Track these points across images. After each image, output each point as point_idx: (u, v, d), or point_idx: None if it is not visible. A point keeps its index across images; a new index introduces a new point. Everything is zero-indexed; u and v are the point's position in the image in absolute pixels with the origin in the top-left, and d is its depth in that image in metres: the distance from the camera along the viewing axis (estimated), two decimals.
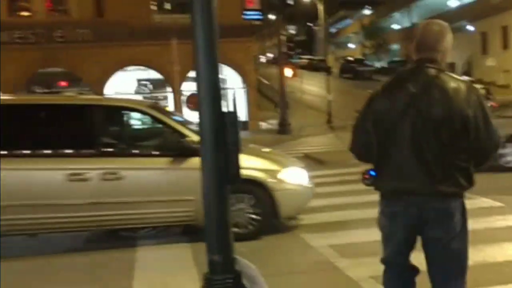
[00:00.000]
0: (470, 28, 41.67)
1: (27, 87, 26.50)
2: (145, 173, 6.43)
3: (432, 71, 2.91)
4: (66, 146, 6.43)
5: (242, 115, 27.67)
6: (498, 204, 7.75)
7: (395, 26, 59.72)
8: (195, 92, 2.80)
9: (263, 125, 30.92)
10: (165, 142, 6.71)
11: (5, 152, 6.15)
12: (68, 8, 27.94)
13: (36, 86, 27.21)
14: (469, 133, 2.81)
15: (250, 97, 30.30)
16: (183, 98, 26.57)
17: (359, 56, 58.84)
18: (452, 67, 46.83)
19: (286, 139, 23.62)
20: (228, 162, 2.81)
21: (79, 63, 26.73)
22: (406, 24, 57.91)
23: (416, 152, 2.86)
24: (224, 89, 27.84)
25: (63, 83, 28.47)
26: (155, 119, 6.75)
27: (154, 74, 29.54)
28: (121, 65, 28.53)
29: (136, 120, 7.92)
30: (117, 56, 27.08)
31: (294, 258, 5.83)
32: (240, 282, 2.84)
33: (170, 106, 30.20)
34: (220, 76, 2.84)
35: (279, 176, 6.67)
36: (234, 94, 2.90)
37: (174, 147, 6.39)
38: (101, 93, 28.35)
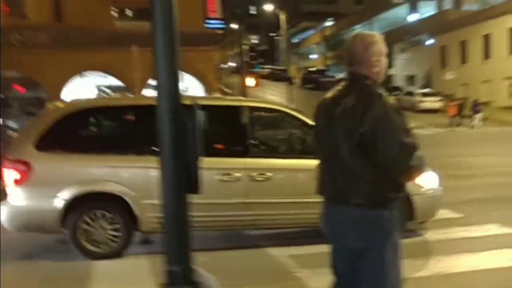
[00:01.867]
0: (430, 42, 42.76)
1: None
2: (293, 174, 6.46)
3: (349, 86, 2.96)
4: (218, 146, 6.62)
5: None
6: (457, 215, 7.89)
7: None
8: None
9: None
10: (312, 143, 6.68)
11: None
12: (26, 12, 27.37)
13: None
14: (368, 146, 2.81)
15: None
16: None
17: (321, 67, 59.52)
18: (412, 79, 48.05)
19: None
20: (188, 171, 2.77)
21: (37, 68, 26.18)
22: None
23: (329, 164, 2.99)
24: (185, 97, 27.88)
25: (19, 88, 27.79)
26: (300, 121, 6.73)
27: (114, 81, 29.17)
28: (80, 71, 28.10)
29: (280, 122, 7.79)
30: (76, 62, 26.66)
31: (254, 268, 5.78)
32: None
33: None
34: (181, 84, 2.81)
35: (417, 180, 6.63)
36: (196, 103, 2.85)
37: None
38: (58, 99, 27.81)
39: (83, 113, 6.57)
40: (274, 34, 74.73)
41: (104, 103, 7.39)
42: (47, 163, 6.11)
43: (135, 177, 6.21)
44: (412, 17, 38.79)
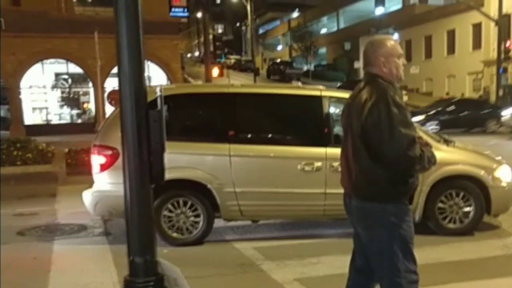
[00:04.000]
0: (395, 35, 43.31)
1: None
2: None
3: (362, 85, 3.21)
4: (299, 136, 6.63)
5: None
6: None
7: (323, 30, 61.15)
8: (117, 88, 2.68)
9: None
10: None
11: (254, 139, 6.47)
12: None
13: None
14: (368, 138, 3.03)
15: None
16: (106, 94, 25.89)
17: (287, 59, 59.68)
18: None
19: None
20: (152, 162, 2.71)
21: None
22: (334, 28, 59.50)
23: (345, 157, 3.25)
24: (149, 86, 27.38)
25: None
26: None
27: (74, 68, 28.56)
28: (38, 58, 27.37)
29: None
30: (34, 48, 25.96)
31: (218, 260, 5.75)
32: (163, 285, 2.76)
33: (92, 102, 29.40)
34: (144, 71, 2.74)
35: (495, 173, 6.60)
36: (160, 91, 2.79)
37: None
38: (16, 87, 27.12)
39: (168, 100, 6.42)
40: (240, 24, 74.59)
41: (189, 90, 7.29)
42: None
43: (218, 165, 6.23)
44: (379, 10, 39.14)
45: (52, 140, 17.56)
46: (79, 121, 30.30)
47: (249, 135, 6.52)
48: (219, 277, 5.22)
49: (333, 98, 6.66)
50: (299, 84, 7.61)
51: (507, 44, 31.60)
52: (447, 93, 32.57)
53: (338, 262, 5.37)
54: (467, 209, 6.45)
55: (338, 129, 6.66)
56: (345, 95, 7.24)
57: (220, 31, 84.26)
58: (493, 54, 33.20)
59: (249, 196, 6.23)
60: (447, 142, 6.67)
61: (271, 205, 6.32)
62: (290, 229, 7.02)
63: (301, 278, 5.04)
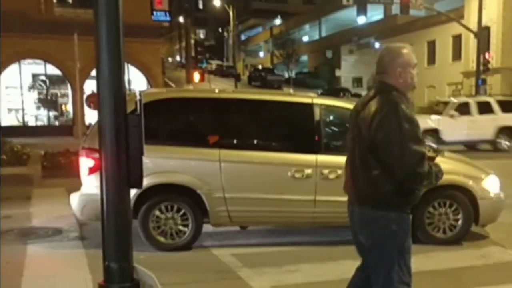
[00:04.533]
0: (378, 45, 43.73)
1: None
2: None
3: (373, 93, 3.18)
4: (290, 143, 6.59)
5: None
6: None
7: (305, 38, 61.48)
8: (95, 91, 2.64)
9: None
10: None
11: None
12: None
13: None
14: (376, 150, 3.00)
15: None
16: (85, 96, 25.64)
17: (269, 65, 59.83)
18: (359, 81, 49.07)
19: None
20: (130, 167, 2.67)
21: None
22: (316, 37, 59.87)
23: (350, 165, 3.24)
24: (129, 90, 27.01)
25: None
26: None
27: (53, 70, 28.20)
28: (16, 58, 26.95)
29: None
30: (12, 48, 25.50)
31: (196, 267, 5.70)
32: None
33: (70, 104, 29.06)
34: (125, 75, 2.70)
35: (483, 184, 6.60)
36: (140, 96, 2.75)
37: None
38: None
39: (158, 104, 6.44)
40: (222, 30, 74.66)
41: (181, 95, 7.25)
42: None
43: (207, 170, 6.19)
44: (361, 20, 39.50)
45: (28, 142, 17.26)
46: (57, 123, 29.90)
47: (240, 141, 6.51)
48: (196, 284, 5.17)
49: (324, 105, 6.67)
50: (291, 91, 7.61)
51: (486, 56, 32.12)
52: None
53: (316, 270, 5.36)
54: (455, 219, 6.49)
55: (328, 137, 6.72)
56: (337, 103, 7.25)
57: (202, 36, 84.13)
58: (473, 66, 33.66)
59: (238, 202, 6.21)
60: (436, 152, 6.72)
61: (260, 211, 6.31)
62: (269, 236, 6.99)
63: (278, 286, 5.02)
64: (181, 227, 6.19)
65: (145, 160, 5.97)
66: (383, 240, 3.09)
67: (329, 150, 6.48)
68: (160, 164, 6.16)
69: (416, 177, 2.97)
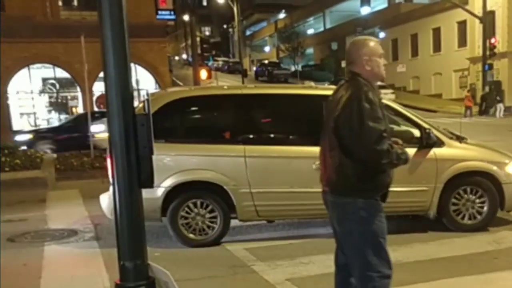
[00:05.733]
0: (382, 34, 43.52)
1: None
2: None
3: (342, 82, 3.35)
4: (313, 136, 6.47)
5: None
6: None
7: (310, 31, 61.27)
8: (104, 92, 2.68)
9: None
10: (411, 134, 6.47)
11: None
12: None
13: None
14: (341, 130, 3.14)
15: None
16: (95, 98, 25.73)
17: (275, 59, 59.72)
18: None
19: None
20: (140, 166, 2.71)
21: None
22: (321, 29, 59.64)
23: (323, 154, 3.36)
24: (137, 90, 26.95)
25: None
26: (397, 112, 6.59)
27: (61, 73, 28.36)
28: (25, 63, 27.13)
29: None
30: (20, 53, 25.70)
31: (210, 262, 5.75)
32: None
33: (80, 106, 29.21)
34: (131, 76, 2.73)
35: (508, 169, 6.64)
36: (147, 95, 2.79)
37: (422, 138, 6.32)
38: (3, 93, 26.87)
39: (184, 102, 6.60)
40: (227, 26, 74.53)
41: (203, 93, 7.34)
42: None
43: (233, 166, 6.28)
44: (364, 10, 39.32)
45: None
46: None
47: (264, 136, 6.61)
48: (210, 279, 5.22)
49: None
50: (312, 84, 7.62)
51: (492, 41, 31.85)
52: None
53: (329, 261, 5.35)
54: (480, 205, 6.51)
55: None
56: None
57: (207, 33, 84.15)
58: (478, 51, 33.47)
59: (265, 196, 6.29)
60: (459, 138, 6.72)
61: (286, 205, 6.37)
62: (281, 230, 7.03)
63: (292, 278, 5.06)
64: (209, 223, 6.29)
65: (172, 158, 6.29)
66: (353, 227, 3.19)
67: None
68: (186, 161, 6.31)
69: (375, 154, 3.05)
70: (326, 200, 3.38)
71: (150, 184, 2.79)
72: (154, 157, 2.69)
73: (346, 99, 3.14)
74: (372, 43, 3.34)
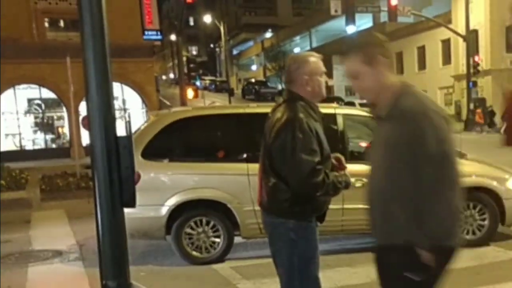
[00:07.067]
0: None
1: None
2: None
3: (280, 101, 3.22)
4: None
5: None
6: None
7: (296, 50, 61.76)
8: None
9: None
10: None
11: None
12: None
13: None
14: (275, 159, 3.07)
15: None
16: (81, 118, 25.67)
17: (262, 78, 60.01)
18: (351, 90, 49.07)
19: None
20: (122, 186, 2.74)
21: None
22: (307, 47, 60.14)
23: (259, 172, 3.27)
24: (124, 109, 26.83)
25: None
26: None
27: (47, 93, 28.30)
28: (10, 84, 27.05)
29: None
30: (6, 74, 25.62)
31: (195, 282, 5.75)
32: None
33: (66, 127, 29.13)
34: (113, 96, 2.78)
35: (507, 184, 6.70)
36: (128, 116, 2.83)
37: None
38: None
39: (187, 122, 6.66)
40: (214, 45, 74.91)
41: (206, 112, 7.40)
42: (152, 171, 6.28)
43: (237, 184, 6.31)
44: (350, 29, 39.73)
45: (26, 166, 17.33)
46: (54, 146, 29.95)
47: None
48: None
49: (345, 115, 6.77)
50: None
51: (476, 58, 32.34)
52: None
53: None
54: (481, 220, 6.60)
55: (352, 145, 6.81)
56: (356, 111, 7.35)
57: (194, 52, 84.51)
58: (463, 69, 33.94)
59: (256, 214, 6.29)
60: (460, 154, 6.79)
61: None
62: (266, 248, 6.97)
63: None
64: (213, 241, 6.34)
65: (176, 177, 6.35)
66: (282, 248, 3.13)
67: (354, 159, 6.46)
68: (190, 180, 6.36)
69: (309, 187, 2.97)
70: (263, 219, 3.34)
71: (132, 204, 2.81)
72: (158, 176, 2.73)
73: (281, 125, 3.02)
74: (314, 59, 3.17)
